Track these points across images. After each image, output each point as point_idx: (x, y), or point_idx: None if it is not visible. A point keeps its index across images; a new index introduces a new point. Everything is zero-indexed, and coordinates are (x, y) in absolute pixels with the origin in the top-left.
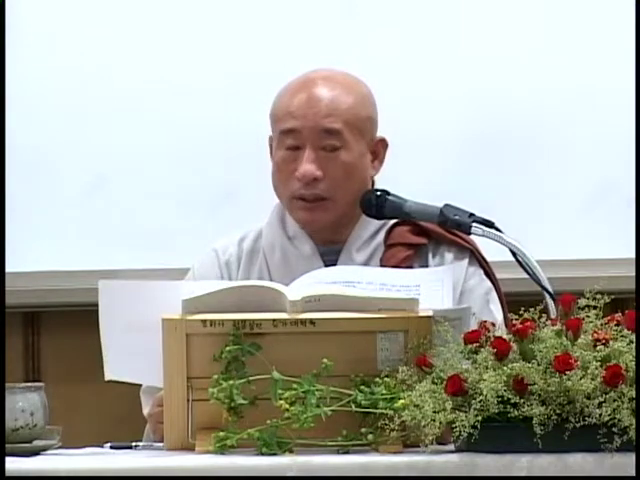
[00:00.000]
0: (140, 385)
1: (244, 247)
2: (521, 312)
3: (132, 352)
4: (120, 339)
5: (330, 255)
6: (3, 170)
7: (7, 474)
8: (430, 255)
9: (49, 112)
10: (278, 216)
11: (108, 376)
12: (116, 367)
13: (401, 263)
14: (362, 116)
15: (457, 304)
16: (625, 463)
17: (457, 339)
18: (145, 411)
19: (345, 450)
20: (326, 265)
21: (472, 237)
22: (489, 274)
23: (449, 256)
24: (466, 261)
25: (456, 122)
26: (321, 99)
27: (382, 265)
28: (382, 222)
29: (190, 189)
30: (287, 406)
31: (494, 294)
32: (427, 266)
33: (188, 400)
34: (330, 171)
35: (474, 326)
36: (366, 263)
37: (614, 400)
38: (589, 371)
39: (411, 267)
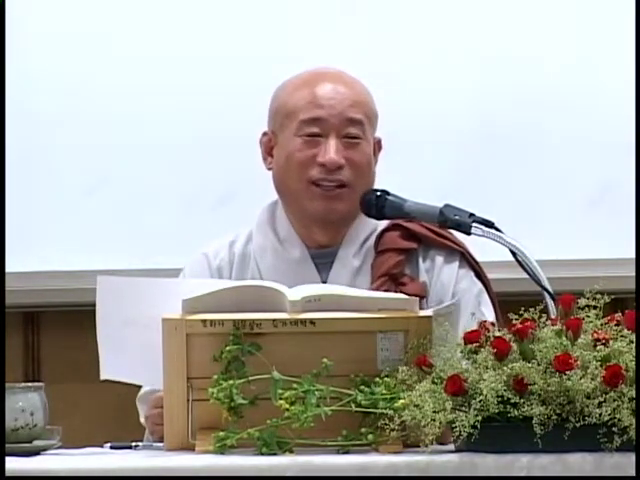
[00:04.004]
0: (138, 385)
1: (235, 251)
2: (521, 312)
3: (129, 350)
4: (117, 336)
5: (321, 258)
6: (3, 170)
7: (7, 474)
8: (420, 259)
9: (50, 112)
10: (268, 218)
11: (103, 375)
12: (112, 366)
13: (393, 269)
14: (374, 112)
15: None
16: (625, 463)
17: (451, 334)
18: (142, 418)
19: (345, 450)
20: (318, 269)
21: (464, 239)
22: (480, 275)
23: (439, 259)
24: (456, 264)
25: (456, 122)
26: (345, 90)
27: (373, 271)
28: (373, 227)
29: (189, 190)
30: (287, 406)
31: (485, 296)
32: (418, 270)
33: (188, 400)
34: (352, 159)
35: (473, 326)
36: (360, 268)
37: (614, 400)
38: (589, 371)
39: (402, 272)
